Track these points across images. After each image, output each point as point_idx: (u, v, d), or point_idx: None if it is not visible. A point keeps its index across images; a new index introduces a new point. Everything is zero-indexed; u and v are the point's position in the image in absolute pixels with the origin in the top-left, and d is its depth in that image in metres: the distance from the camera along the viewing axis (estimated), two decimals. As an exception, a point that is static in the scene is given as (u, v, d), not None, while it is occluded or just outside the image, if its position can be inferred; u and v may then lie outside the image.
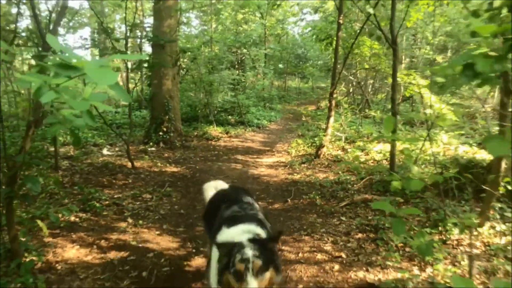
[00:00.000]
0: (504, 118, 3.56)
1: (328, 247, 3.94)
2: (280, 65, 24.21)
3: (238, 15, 21.92)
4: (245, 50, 19.50)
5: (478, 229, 3.93)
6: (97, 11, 10.57)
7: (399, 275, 3.20)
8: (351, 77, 11.53)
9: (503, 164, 3.74)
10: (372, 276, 3.28)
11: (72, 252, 3.68)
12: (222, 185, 3.32)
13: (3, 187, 2.97)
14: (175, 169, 7.09)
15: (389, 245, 3.77)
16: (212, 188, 3.23)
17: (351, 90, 16.32)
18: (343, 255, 3.72)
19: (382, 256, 3.60)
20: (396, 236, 3.89)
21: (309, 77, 25.10)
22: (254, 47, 19.79)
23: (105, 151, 8.10)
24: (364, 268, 3.43)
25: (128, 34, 7.05)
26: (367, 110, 13.04)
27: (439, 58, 13.08)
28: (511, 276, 3.14)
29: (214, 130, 11.54)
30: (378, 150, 7.86)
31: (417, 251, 3.25)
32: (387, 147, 7.44)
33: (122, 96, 1.07)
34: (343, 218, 4.64)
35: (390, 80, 9.07)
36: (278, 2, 16.29)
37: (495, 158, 3.79)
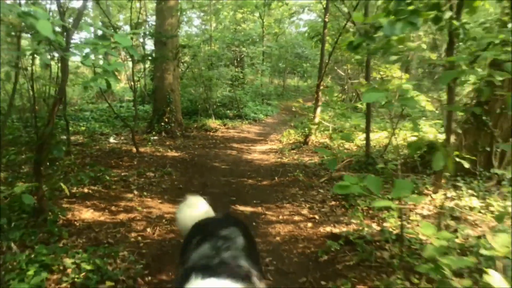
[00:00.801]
0: (451, 101, 4.17)
1: (304, 211, 4.56)
2: (280, 64, 24.71)
3: (237, 15, 22.51)
4: (243, 49, 20.09)
5: (433, 195, 4.55)
6: (102, 10, 11.16)
7: (359, 228, 3.81)
8: (340, 71, 12.11)
9: (452, 139, 4.35)
10: (337, 230, 3.90)
11: (87, 214, 4.30)
12: (202, 208, 2.33)
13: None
14: (175, 154, 7.70)
15: (355, 208, 4.39)
16: (188, 211, 2.28)
17: (346, 87, 16.89)
18: (317, 217, 4.34)
19: (348, 216, 4.22)
20: (363, 202, 4.51)
21: (305, 76, 25.64)
22: (252, 45, 20.39)
23: (111, 139, 8.72)
24: (332, 225, 4.05)
25: (132, 32, 7.65)
26: (359, 105, 13.62)
27: (433, 56, 13.58)
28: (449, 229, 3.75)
29: (213, 123, 12.15)
30: (362, 139, 8.47)
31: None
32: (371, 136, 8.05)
33: (135, 54, 1.68)
34: (321, 190, 5.25)
35: (374, 74, 9.67)
36: (274, 2, 16.81)
37: (446, 134, 4.38)
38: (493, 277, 1.45)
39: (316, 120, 8.48)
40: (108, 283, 2.82)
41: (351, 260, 3.17)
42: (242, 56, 20.85)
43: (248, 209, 4.73)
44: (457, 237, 3.49)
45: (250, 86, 18.93)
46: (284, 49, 22.43)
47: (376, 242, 3.41)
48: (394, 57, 2.68)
